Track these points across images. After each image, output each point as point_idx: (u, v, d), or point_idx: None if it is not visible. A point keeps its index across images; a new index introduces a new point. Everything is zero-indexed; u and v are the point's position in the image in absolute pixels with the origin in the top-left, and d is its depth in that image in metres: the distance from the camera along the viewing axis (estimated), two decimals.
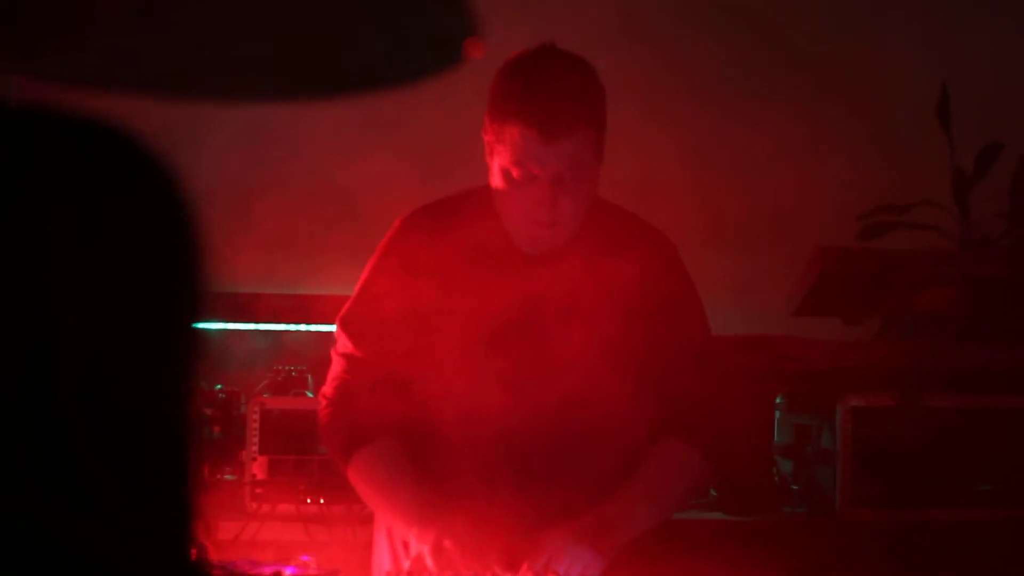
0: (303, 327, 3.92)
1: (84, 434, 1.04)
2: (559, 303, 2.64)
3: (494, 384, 2.63)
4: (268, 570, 2.36)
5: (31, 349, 1.02)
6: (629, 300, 2.64)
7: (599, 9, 4.22)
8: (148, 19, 1.08)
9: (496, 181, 2.59)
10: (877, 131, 4.31)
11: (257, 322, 3.91)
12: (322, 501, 3.49)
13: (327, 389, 2.72)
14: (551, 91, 2.54)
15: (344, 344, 2.70)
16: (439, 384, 2.66)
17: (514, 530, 2.58)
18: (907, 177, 4.20)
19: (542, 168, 2.53)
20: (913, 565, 3.52)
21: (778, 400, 3.80)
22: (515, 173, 2.55)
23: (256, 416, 3.54)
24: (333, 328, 2.75)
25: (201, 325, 1.11)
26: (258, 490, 3.51)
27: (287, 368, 3.71)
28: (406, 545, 2.65)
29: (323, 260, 3.90)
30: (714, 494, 3.67)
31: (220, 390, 3.67)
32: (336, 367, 2.71)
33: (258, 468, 3.52)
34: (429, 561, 2.51)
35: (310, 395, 3.62)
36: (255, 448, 3.53)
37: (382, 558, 2.76)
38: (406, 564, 2.59)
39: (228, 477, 3.61)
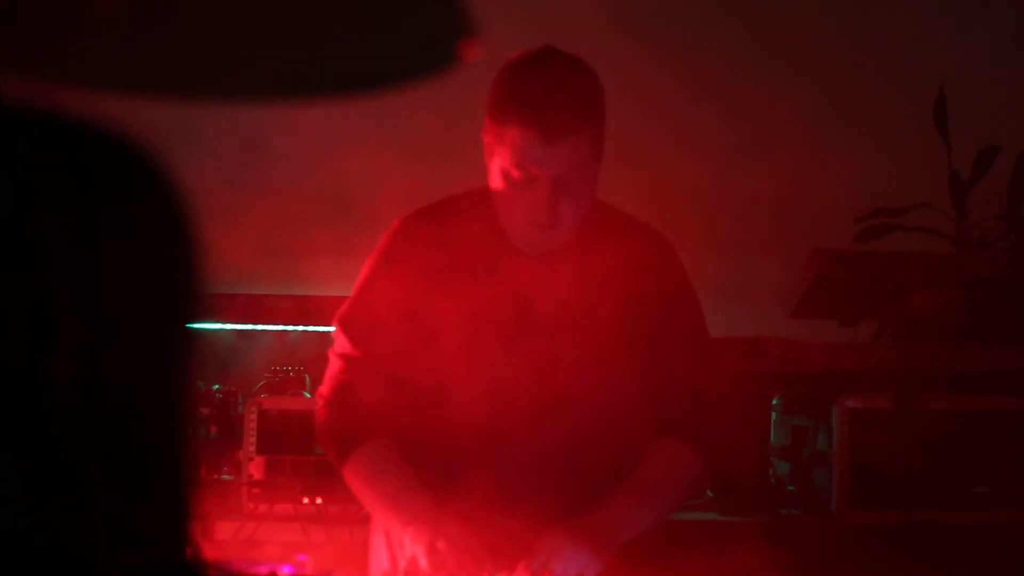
0: (301, 327, 3.92)
1: (78, 433, 1.04)
2: (558, 304, 2.64)
3: (491, 385, 2.64)
4: (264, 569, 2.36)
5: (25, 349, 1.02)
6: (627, 301, 2.65)
7: (597, 9, 4.23)
8: (141, 19, 1.08)
9: (495, 182, 2.59)
10: (875, 134, 4.32)
11: (255, 322, 3.91)
12: (319, 501, 3.49)
13: (324, 389, 2.72)
14: (551, 92, 2.54)
15: (342, 344, 2.70)
16: (437, 385, 2.66)
17: (510, 531, 2.58)
18: (905, 180, 4.21)
19: (542, 169, 2.54)
20: (909, 567, 3.53)
21: (775, 402, 3.80)
22: (515, 174, 2.55)
23: (253, 416, 3.54)
24: (331, 328, 2.75)
25: (198, 325, 1.11)
26: (255, 490, 3.51)
27: (284, 368, 3.71)
28: (402, 546, 2.65)
29: (320, 260, 3.90)
30: (711, 495, 3.67)
31: (217, 390, 3.67)
32: (333, 367, 2.71)
33: (255, 468, 3.52)
34: (423, 562, 2.51)
35: (307, 395, 3.63)
36: (252, 448, 3.53)
37: (379, 558, 2.76)
38: (402, 564, 2.60)
39: (225, 477, 3.62)
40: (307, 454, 3.51)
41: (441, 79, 1.17)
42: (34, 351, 1.02)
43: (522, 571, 2.50)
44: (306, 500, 3.50)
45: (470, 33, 1.16)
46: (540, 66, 2.57)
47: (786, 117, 4.30)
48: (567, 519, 2.56)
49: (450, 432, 2.66)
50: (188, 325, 1.10)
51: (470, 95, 2.57)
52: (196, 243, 1.11)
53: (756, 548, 3.47)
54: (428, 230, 2.68)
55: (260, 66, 1.12)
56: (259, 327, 3.93)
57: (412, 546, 2.56)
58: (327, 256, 3.82)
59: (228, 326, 3.91)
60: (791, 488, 3.75)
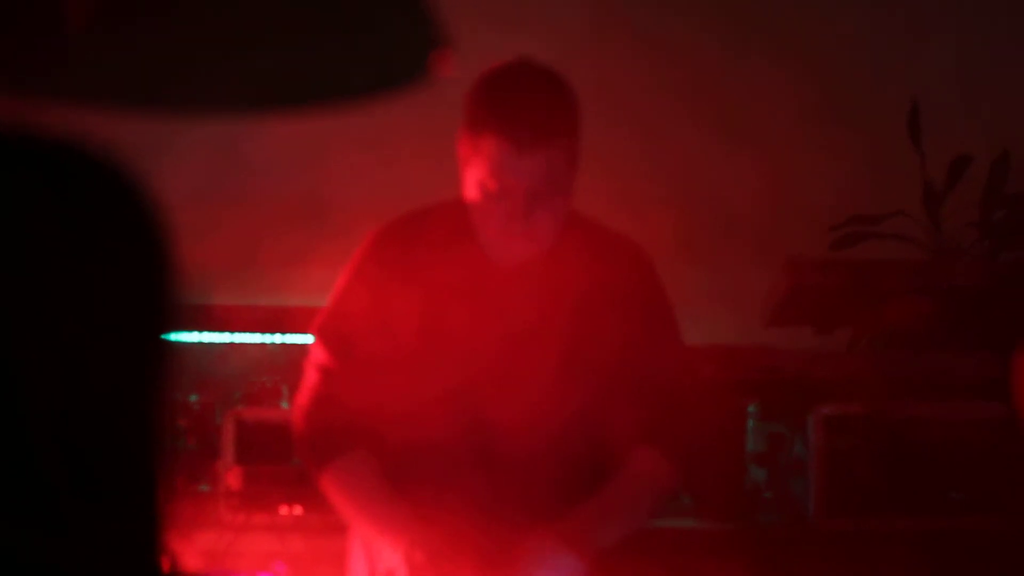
0: (278, 338, 3.92)
1: (53, 444, 1.04)
2: (533, 315, 2.65)
3: (468, 395, 2.64)
4: None
5: None
6: (604, 312, 2.66)
7: (571, 12, 4.23)
8: (115, 33, 1.09)
9: (471, 193, 2.60)
10: (854, 141, 4.34)
11: (232, 333, 3.91)
12: (297, 511, 3.49)
13: (301, 400, 2.72)
14: (526, 103, 2.55)
15: (318, 355, 2.71)
16: (413, 395, 2.67)
17: (488, 539, 2.59)
18: (882, 188, 4.23)
19: (517, 180, 2.54)
20: (885, 573, 3.54)
21: (751, 409, 3.82)
22: (490, 185, 2.56)
23: (231, 427, 3.54)
24: (308, 339, 2.76)
25: (174, 336, 1.11)
26: (233, 501, 3.51)
27: (262, 379, 3.71)
28: (381, 555, 2.66)
29: (297, 270, 3.90)
30: (687, 501, 3.68)
31: (195, 402, 3.67)
32: (310, 378, 2.72)
33: (233, 479, 3.52)
34: (402, 571, 2.52)
35: (285, 405, 3.63)
36: (230, 459, 3.53)
37: (357, 568, 2.77)
38: (380, 574, 2.60)
39: (203, 488, 3.61)
40: (285, 464, 3.51)
41: (415, 92, 1.18)
42: (7, 362, 1.02)
43: None
44: (284, 510, 3.50)
45: (443, 46, 1.17)
46: (515, 77, 2.58)
47: (765, 124, 4.32)
48: (545, 526, 2.57)
49: (427, 441, 2.66)
50: (164, 336, 1.10)
51: (448, 106, 2.57)
52: (171, 253, 1.11)
53: (733, 555, 3.48)
54: (403, 241, 2.69)
55: (233, 79, 1.13)
56: (236, 337, 3.93)
57: (390, 556, 2.57)
58: (304, 266, 3.82)
59: (205, 336, 3.91)
60: (768, 495, 3.77)
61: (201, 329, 3.88)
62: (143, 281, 1.09)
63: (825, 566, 3.58)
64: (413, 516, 2.58)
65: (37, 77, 1.10)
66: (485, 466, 2.65)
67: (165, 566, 1.08)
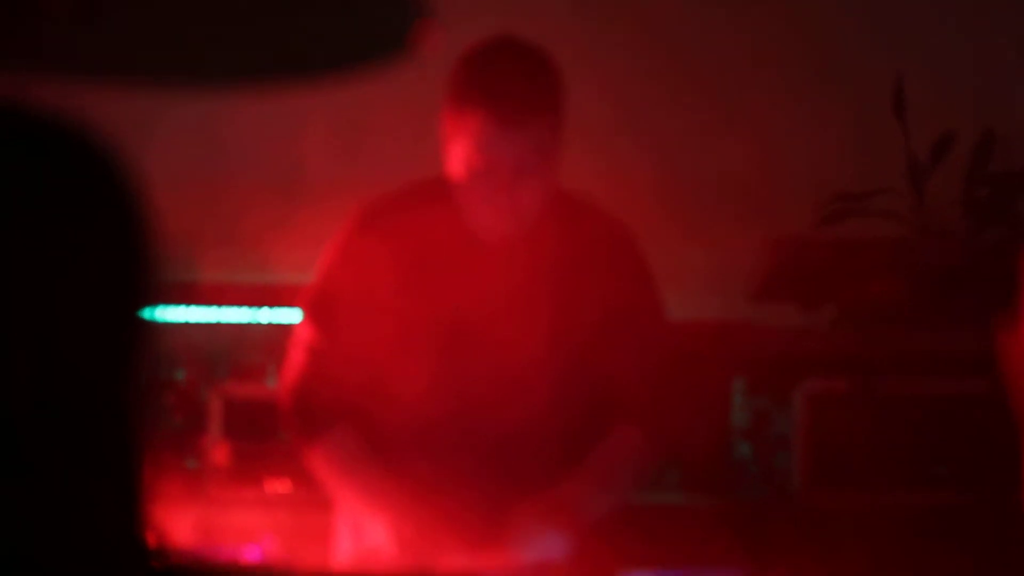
0: (265, 314, 3.92)
1: (33, 421, 1.04)
2: (518, 290, 2.66)
3: (454, 371, 2.65)
4: (228, 554, 2.37)
5: None
6: (588, 288, 2.67)
7: None
8: (98, 7, 1.09)
9: (456, 169, 2.60)
10: (837, 117, 4.34)
11: (219, 308, 3.91)
12: (283, 487, 3.50)
13: (289, 375, 2.73)
14: (511, 79, 2.56)
15: (305, 330, 2.71)
16: (400, 371, 2.67)
17: (474, 514, 2.60)
18: (868, 165, 4.23)
19: (502, 156, 2.55)
20: (869, 547, 3.56)
21: (736, 385, 3.83)
22: (475, 161, 2.56)
23: (218, 404, 3.55)
24: (295, 315, 2.76)
25: (160, 313, 1.11)
26: (219, 477, 3.52)
27: (248, 355, 3.71)
28: (367, 530, 2.67)
29: (283, 246, 3.90)
30: (673, 476, 3.70)
31: (181, 378, 3.67)
32: (297, 353, 2.72)
33: (219, 454, 3.53)
34: (388, 546, 2.53)
35: (271, 381, 3.63)
36: (216, 435, 3.54)
37: (343, 543, 2.78)
38: (367, 549, 2.61)
39: (190, 464, 3.62)
40: (271, 440, 3.52)
41: (400, 65, 1.18)
42: None
43: (489, 552, 2.52)
44: (270, 486, 3.51)
45: (426, 19, 1.17)
46: (499, 53, 2.58)
47: (750, 100, 4.32)
48: (531, 502, 2.58)
49: (414, 416, 2.67)
50: (148, 312, 1.10)
51: (429, 81, 2.57)
52: (154, 230, 1.11)
53: (718, 529, 3.50)
54: (388, 217, 2.69)
55: (215, 52, 1.12)
56: (222, 313, 3.93)
57: (377, 530, 2.58)
58: (290, 242, 3.82)
59: (191, 313, 3.91)
60: (753, 470, 3.78)
61: (187, 305, 3.88)
62: (121, 253, 1.09)
63: (810, 540, 3.60)
64: (400, 491, 2.59)
65: (19, 53, 1.10)
66: (471, 441, 2.66)
67: (151, 541, 1.09)
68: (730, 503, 3.68)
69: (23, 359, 1.03)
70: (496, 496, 2.61)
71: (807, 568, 3.36)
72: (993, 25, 4.43)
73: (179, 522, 3.33)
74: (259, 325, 3.91)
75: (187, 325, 3.87)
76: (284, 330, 2.89)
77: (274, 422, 3.39)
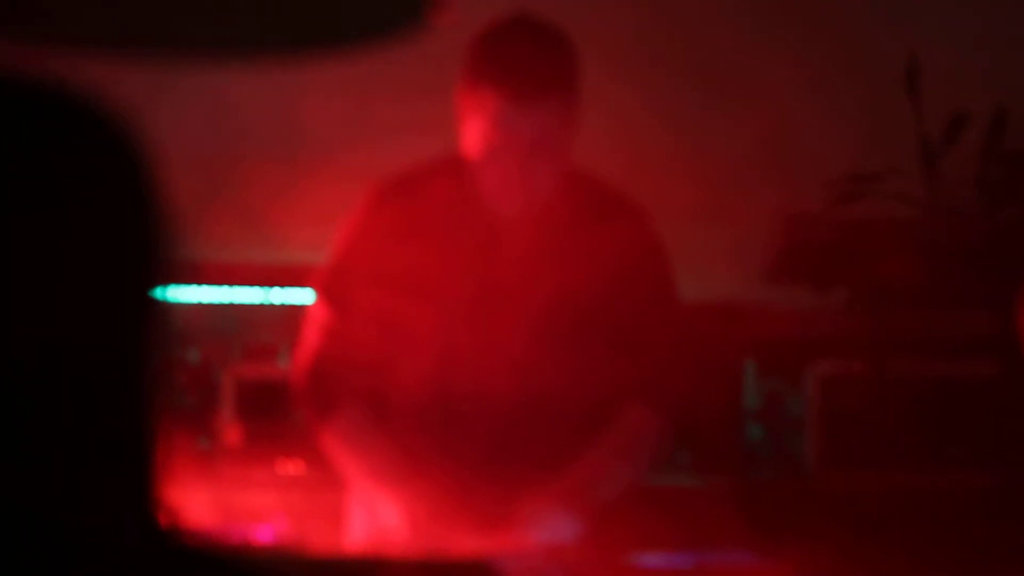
0: (278, 294, 3.93)
1: (45, 401, 1.03)
2: (532, 268, 2.66)
3: (468, 350, 2.65)
4: (241, 535, 2.38)
5: None
6: (602, 267, 2.66)
7: None
8: None
9: (471, 147, 2.60)
10: (850, 97, 4.33)
11: (232, 288, 3.91)
12: (296, 467, 3.51)
13: (302, 355, 2.73)
14: (526, 56, 2.56)
15: (319, 310, 2.71)
16: (414, 350, 2.68)
17: (486, 495, 2.60)
18: (880, 145, 4.22)
19: (518, 133, 2.55)
20: (881, 529, 3.56)
21: (749, 366, 3.83)
22: (491, 138, 2.56)
23: (231, 384, 3.55)
24: (308, 295, 2.76)
25: (173, 292, 1.11)
26: (232, 457, 3.52)
27: (262, 336, 3.72)
28: (380, 511, 2.67)
29: (298, 226, 3.90)
30: (685, 458, 3.70)
31: (194, 358, 3.68)
32: (311, 333, 2.72)
33: (232, 434, 3.53)
34: (400, 528, 2.53)
35: (284, 361, 3.64)
36: (229, 415, 3.54)
37: (356, 524, 2.78)
38: (379, 530, 2.61)
39: (203, 444, 3.63)
40: (284, 420, 3.53)
41: (416, 42, 1.17)
42: None
43: (501, 535, 2.53)
44: (283, 466, 3.51)
45: None
46: (515, 31, 2.58)
47: (764, 80, 4.31)
48: (543, 484, 2.58)
49: (426, 396, 2.67)
50: (161, 292, 1.10)
51: (445, 57, 2.57)
52: (167, 208, 1.10)
53: (730, 511, 3.50)
54: (403, 196, 2.69)
55: (231, 27, 1.12)
56: (236, 293, 3.93)
57: (389, 511, 2.58)
58: (303, 221, 3.82)
59: (205, 293, 3.91)
60: (765, 452, 3.78)
61: (200, 285, 3.88)
62: (133, 232, 1.08)
63: (822, 522, 3.60)
64: (413, 472, 2.59)
65: (28, 24, 1.09)
66: (484, 422, 2.66)
67: (164, 521, 1.09)
68: (742, 484, 3.68)
69: (35, 339, 1.02)
70: (509, 476, 2.61)
71: (820, 549, 3.37)
72: (1006, 4, 4.41)
73: (192, 502, 3.34)
74: (272, 305, 3.92)
75: (200, 305, 3.88)
76: (297, 310, 2.89)
77: (287, 402, 3.39)
